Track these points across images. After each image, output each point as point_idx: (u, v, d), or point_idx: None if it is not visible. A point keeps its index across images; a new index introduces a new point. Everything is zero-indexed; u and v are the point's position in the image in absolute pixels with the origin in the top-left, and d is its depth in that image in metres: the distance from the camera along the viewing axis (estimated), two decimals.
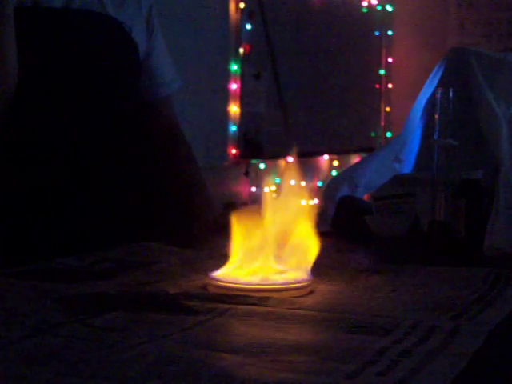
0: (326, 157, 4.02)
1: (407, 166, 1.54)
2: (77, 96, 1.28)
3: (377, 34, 4.46)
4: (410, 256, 1.21)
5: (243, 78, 3.33)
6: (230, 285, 0.85)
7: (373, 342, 0.65)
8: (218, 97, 3.22)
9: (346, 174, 1.63)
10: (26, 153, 1.25)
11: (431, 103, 1.46)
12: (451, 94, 1.27)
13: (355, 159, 3.97)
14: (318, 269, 0.95)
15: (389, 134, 4.48)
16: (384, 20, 4.47)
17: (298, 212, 0.91)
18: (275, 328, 0.70)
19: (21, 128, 1.24)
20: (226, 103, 3.28)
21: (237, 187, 3.34)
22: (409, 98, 1.89)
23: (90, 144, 1.31)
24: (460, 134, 1.33)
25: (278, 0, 3.55)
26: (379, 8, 4.42)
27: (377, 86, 4.49)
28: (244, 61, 3.33)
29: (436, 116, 1.28)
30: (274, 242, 0.89)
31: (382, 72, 4.52)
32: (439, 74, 1.52)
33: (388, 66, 4.55)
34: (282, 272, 0.88)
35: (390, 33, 4.53)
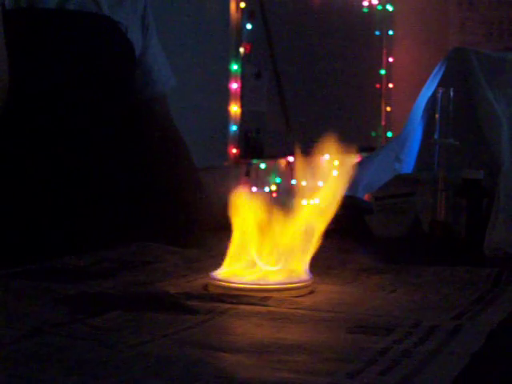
0: (326, 156, 4.02)
1: (408, 166, 1.54)
2: (73, 96, 1.28)
3: (377, 33, 4.46)
4: (411, 256, 1.21)
5: (244, 78, 3.33)
6: (231, 284, 0.85)
7: (373, 341, 0.65)
8: (219, 96, 3.22)
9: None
10: (25, 153, 1.25)
11: (432, 103, 1.46)
12: (452, 94, 1.27)
13: (356, 159, 3.97)
14: (319, 269, 0.95)
15: (389, 134, 4.48)
16: (385, 20, 4.47)
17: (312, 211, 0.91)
18: (276, 328, 0.70)
19: (18, 129, 1.24)
20: (226, 103, 3.28)
21: (237, 187, 3.34)
22: (409, 98, 1.89)
23: (87, 144, 1.31)
24: (461, 133, 1.33)
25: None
26: (380, 8, 4.42)
27: (377, 85, 4.49)
28: (244, 60, 3.33)
29: (437, 116, 1.28)
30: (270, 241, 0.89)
31: (382, 72, 4.52)
32: (440, 73, 1.52)
33: (388, 66, 4.55)
34: (276, 272, 0.88)
35: (390, 32, 4.53)
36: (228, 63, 3.27)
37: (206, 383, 0.54)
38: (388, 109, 4.54)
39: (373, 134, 4.46)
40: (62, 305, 0.77)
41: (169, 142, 1.49)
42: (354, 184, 1.56)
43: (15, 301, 0.79)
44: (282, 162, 3.61)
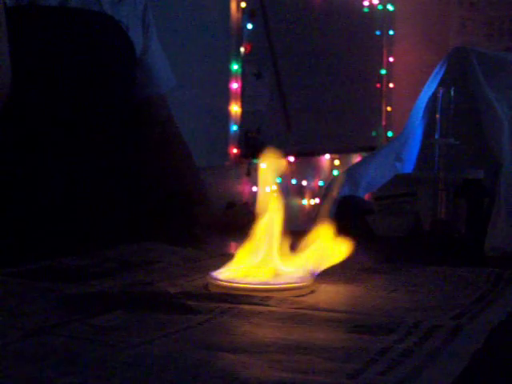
0: (327, 156, 4.02)
1: (408, 166, 1.54)
2: (73, 95, 1.28)
3: (378, 33, 4.46)
4: (412, 255, 1.21)
5: (244, 78, 3.33)
6: (232, 284, 0.85)
7: (374, 341, 0.65)
8: (219, 96, 3.22)
9: (348, 174, 1.63)
10: (25, 152, 1.25)
11: (432, 103, 1.46)
12: (452, 94, 1.27)
13: (356, 159, 3.97)
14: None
15: (390, 134, 4.48)
16: (385, 19, 4.47)
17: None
18: (277, 327, 0.70)
19: (19, 127, 1.24)
20: (227, 103, 3.28)
21: (238, 187, 3.35)
22: (410, 98, 1.89)
23: (88, 143, 1.31)
24: (461, 133, 1.33)
25: None
26: (380, 7, 4.42)
27: (378, 85, 4.49)
28: (245, 60, 3.33)
29: (437, 115, 1.28)
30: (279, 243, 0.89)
31: (383, 71, 4.52)
32: (440, 73, 1.52)
33: (389, 66, 4.55)
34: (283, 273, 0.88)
35: (391, 32, 4.53)
36: (228, 63, 3.27)
37: (206, 383, 0.54)
38: (388, 108, 4.54)
39: (373, 133, 4.46)
40: (62, 305, 0.76)
41: (169, 141, 1.49)
42: (354, 184, 1.56)
43: (15, 301, 0.79)
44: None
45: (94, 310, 0.74)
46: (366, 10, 4.31)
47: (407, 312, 0.76)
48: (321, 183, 3.92)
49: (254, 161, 3.40)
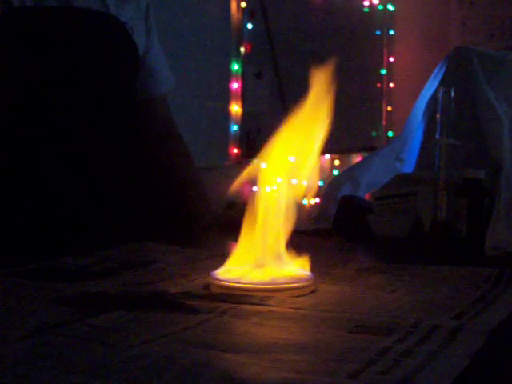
0: (327, 156, 4.02)
1: (409, 166, 1.54)
2: (77, 96, 1.28)
3: (378, 33, 4.46)
4: (412, 255, 1.21)
5: (244, 78, 3.33)
6: (232, 284, 0.85)
7: (374, 341, 0.65)
8: (220, 96, 3.22)
9: (348, 174, 1.63)
10: (25, 153, 1.25)
11: (433, 102, 1.45)
12: (453, 94, 1.27)
13: (357, 159, 3.97)
14: (320, 268, 0.95)
15: (390, 134, 4.49)
16: (385, 19, 4.47)
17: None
18: (277, 327, 0.70)
19: (20, 127, 1.24)
20: (227, 103, 3.28)
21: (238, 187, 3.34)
22: (410, 98, 1.89)
23: (89, 143, 1.31)
24: (462, 133, 1.33)
25: None
26: (380, 7, 4.42)
27: (378, 85, 4.49)
28: (245, 60, 3.33)
29: (438, 115, 1.28)
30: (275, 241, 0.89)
31: (383, 71, 4.52)
32: (441, 73, 1.52)
33: (389, 66, 4.55)
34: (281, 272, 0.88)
35: (391, 32, 4.53)
36: (229, 63, 3.27)
37: (206, 383, 0.54)
38: (389, 108, 4.54)
39: (373, 133, 4.46)
40: (62, 305, 0.76)
41: (169, 141, 1.49)
42: (354, 183, 1.56)
43: (15, 301, 0.79)
44: None
45: (94, 310, 0.74)
46: (366, 9, 4.31)
47: (407, 312, 0.76)
48: (321, 183, 3.92)
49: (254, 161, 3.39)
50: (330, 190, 1.58)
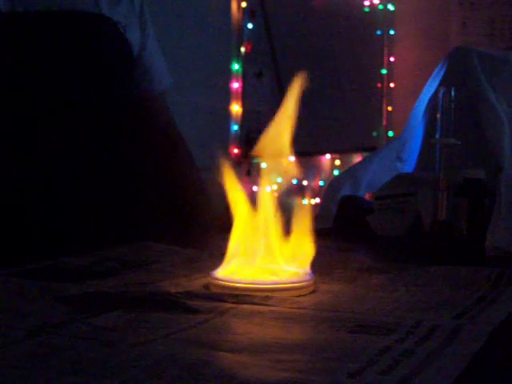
0: (327, 156, 4.02)
1: (409, 166, 1.54)
2: (71, 97, 1.28)
3: (378, 33, 4.46)
4: (412, 255, 1.21)
5: (245, 77, 3.33)
6: (232, 284, 0.85)
7: (374, 341, 0.65)
8: (220, 96, 3.22)
9: (348, 174, 1.63)
10: (24, 153, 1.25)
11: (433, 102, 1.46)
12: (453, 94, 1.27)
13: (357, 159, 3.97)
14: (320, 268, 0.95)
15: (391, 134, 4.48)
16: (386, 19, 4.47)
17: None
18: (277, 327, 0.70)
19: (15, 129, 1.24)
20: (227, 102, 3.28)
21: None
22: (411, 98, 1.89)
23: (86, 144, 1.31)
24: (462, 133, 1.33)
25: None
26: (381, 7, 4.42)
27: (378, 85, 4.49)
28: (246, 60, 3.33)
29: (438, 115, 1.28)
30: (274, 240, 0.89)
31: (383, 71, 4.52)
32: (441, 73, 1.52)
33: (390, 66, 4.55)
34: (279, 272, 0.88)
35: (391, 32, 4.53)
36: (229, 63, 3.27)
37: (206, 383, 0.54)
38: (389, 108, 4.54)
39: (374, 133, 4.46)
40: (62, 305, 0.76)
41: (169, 141, 1.49)
42: (355, 183, 1.56)
43: (15, 301, 0.79)
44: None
45: (94, 310, 0.74)
46: (366, 9, 4.31)
47: (407, 312, 0.76)
48: (321, 183, 3.91)
49: (255, 161, 3.39)
50: (330, 190, 1.58)
